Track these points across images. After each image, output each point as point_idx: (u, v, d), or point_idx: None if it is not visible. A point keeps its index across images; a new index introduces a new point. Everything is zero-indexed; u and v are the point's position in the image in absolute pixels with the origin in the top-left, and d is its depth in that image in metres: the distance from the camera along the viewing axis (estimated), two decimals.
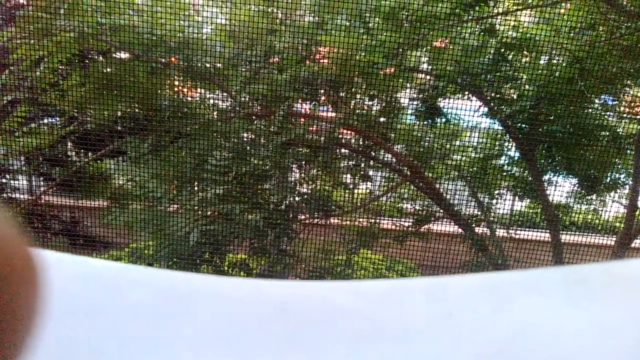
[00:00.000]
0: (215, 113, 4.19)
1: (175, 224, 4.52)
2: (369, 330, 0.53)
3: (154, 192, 4.50)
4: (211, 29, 3.78)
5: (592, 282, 0.56)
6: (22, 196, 4.70)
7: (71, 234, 5.12)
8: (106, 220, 4.64)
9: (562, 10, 3.64)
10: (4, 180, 4.55)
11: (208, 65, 3.76)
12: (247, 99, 4.09)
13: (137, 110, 4.12)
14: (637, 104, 4.11)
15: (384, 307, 0.55)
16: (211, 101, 4.22)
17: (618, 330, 0.52)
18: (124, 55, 3.79)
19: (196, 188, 4.63)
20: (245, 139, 4.44)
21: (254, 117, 4.26)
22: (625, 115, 4.11)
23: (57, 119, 4.26)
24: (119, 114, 4.32)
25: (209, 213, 4.56)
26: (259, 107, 4.19)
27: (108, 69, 3.77)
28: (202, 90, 4.18)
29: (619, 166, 4.39)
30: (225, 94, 4.16)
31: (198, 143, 4.34)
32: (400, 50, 3.58)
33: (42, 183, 4.81)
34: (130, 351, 0.50)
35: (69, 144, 4.74)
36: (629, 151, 4.22)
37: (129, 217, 4.55)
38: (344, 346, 0.51)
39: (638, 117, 4.09)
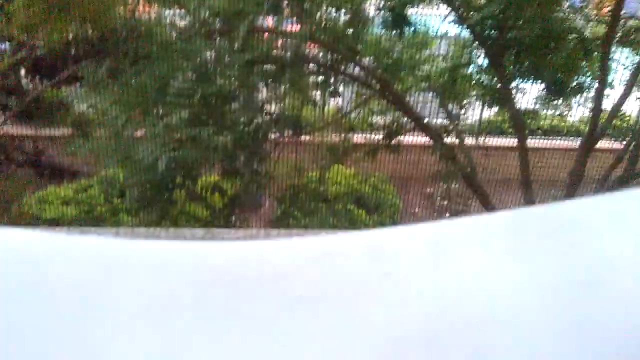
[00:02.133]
0: (173, 32, 3.99)
1: (143, 150, 4.43)
2: (307, 293, 0.51)
3: (118, 118, 4.37)
4: None
5: (529, 229, 0.56)
6: None
7: (36, 165, 4.99)
8: (71, 150, 4.52)
9: None
10: None
11: None
12: (206, 15, 3.89)
13: (90, 32, 3.89)
14: (605, 5, 4.06)
15: (321, 266, 0.53)
16: (169, 19, 4.00)
17: (552, 283, 0.51)
18: None
19: (161, 112, 4.50)
20: (208, 59, 4.27)
21: (215, 35, 4.07)
22: (592, 17, 4.07)
23: (6, 44, 4.01)
24: (71, 36, 4.08)
25: (176, 137, 4.48)
26: (219, 24, 4.00)
27: None
28: (159, 8, 3.94)
29: (586, 69, 4.40)
30: (183, 10, 3.94)
31: (158, 65, 4.16)
32: None
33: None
34: (53, 324, 0.48)
35: (22, 71, 4.50)
36: (595, 53, 4.22)
37: (93, 146, 4.43)
38: (280, 311, 0.50)
39: (605, 18, 4.05)
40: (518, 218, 0.58)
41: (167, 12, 3.99)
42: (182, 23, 4.04)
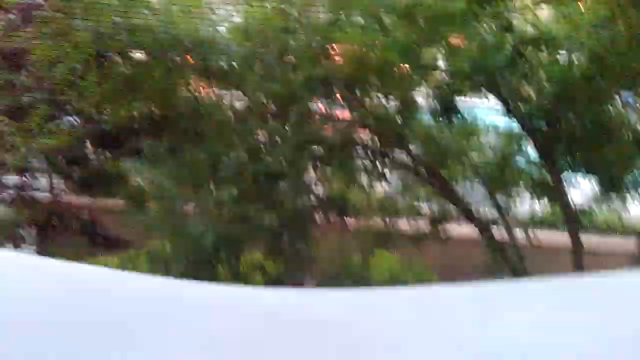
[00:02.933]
0: (230, 113, 4.21)
1: (191, 225, 4.53)
2: (358, 341, 0.53)
3: (170, 192, 4.52)
4: (226, 27, 3.80)
5: (575, 293, 0.57)
6: (42, 194, 4.77)
7: (91, 234, 5.18)
8: (124, 221, 4.69)
9: (581, 5, 3.57)
10: (24, 180, 4.63)
11: (223, 64, 3.78)
12: (262, 98, 4.10)
13: (153, 109, 4.16)
14: None
15: (372, 317, 0.56)
16: (226, 101, 4.24)
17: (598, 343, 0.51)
18: (140, 55, 3.83)
19: (212, 188, 4.64)
20: (260, 139, 4.44)
21: (269, 116, 4.26)
22: None
23: (75, 118, 4.32)
24: (136, 113, 4.36)
25: (224, 214, 4.57)
26: (274, 107, 4.20)
27: (125, 69, 3.81)
28: (218, 90, 4.20)
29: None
30: (240, 92, 4.17)
31: (214, 143, 4.35)
32: (416, 47, 3.55)
33: (61, 182, 4.88)
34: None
35: (88, 143, 4.80)
36: None
37: (146, 218, 4.57)
38: (334, 357, 0.52)
39: None
40: (561, 286, 0.59)
41: (225, 94, 4.23)
42: (238, 104, 4.26)
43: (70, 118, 4.39)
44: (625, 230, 4.88)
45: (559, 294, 0.58)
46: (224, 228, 4.51)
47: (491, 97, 4.09)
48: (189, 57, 3.76)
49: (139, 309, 0.55)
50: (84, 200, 5.10)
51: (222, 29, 3.82)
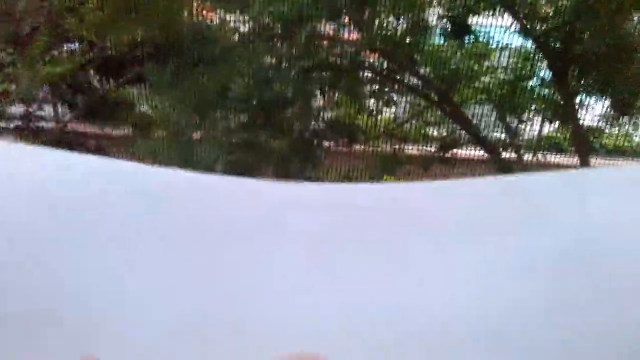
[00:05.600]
0: (236, 37, 4.09)
1: (201, 153, 4.55)
2: (453, 230, 0.52)
3: (177, 119, 4.50)
4: None
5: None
6: (48, 125, 4.74)
7: None
8: (131, 149, 4.69)
9: None
10: (30, 110, 4.58)
11: None
12: (268, 21, 3.97)
13: (157, 34, 4.04)
14: None
15: (463, 206, 0.54)
16: (231, 24, 4.10)
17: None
18: None
19: (219, 116, 4.61)
20: (267, 64, 4.35)
21: (275, 40, 4.15)
22: None
23: (77, 45, 4.22)
24: (139, 39, 4.24)
25: (233, 141, 4.56)
26: (280, 30, 4.07)
27: None
28: (222, 13, 4.06)
29: None
30: (245, 16, 4.03)
31: (220, 69, 4.27)
32: None
33: (67, 111, 4.83)
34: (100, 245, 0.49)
35: (91, 71, 4.71)
36: None
37: (153, 146, 4.58)
38: (431, 246, 0.51)
39: None
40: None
41: (230, 17, 4.09)
42: (244, 28, 4.14)
43: (72, 45, 4.28)
44: (635, 153, 4.86)
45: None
46: (233, 155, 4.54)
47: (506, 15, 3.95)
48: None
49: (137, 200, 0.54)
50: (90, 128, 5.08)
51: None
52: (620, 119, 4.69)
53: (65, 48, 4.31)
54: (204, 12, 4.10)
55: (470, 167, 5.44)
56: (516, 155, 4.76)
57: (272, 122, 4.58)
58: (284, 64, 4.38)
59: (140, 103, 4.57)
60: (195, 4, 3.98)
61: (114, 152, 5.36)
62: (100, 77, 4.60)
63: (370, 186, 0.61)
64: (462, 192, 0.55)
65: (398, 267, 0.50)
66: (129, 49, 4.06)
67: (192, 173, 0.59)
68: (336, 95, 4.64)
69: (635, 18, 4.07)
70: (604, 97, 4.43)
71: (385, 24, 4.21)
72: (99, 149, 5.15)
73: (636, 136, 4.92)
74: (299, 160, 4.73)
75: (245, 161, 4.59)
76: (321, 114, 4.75)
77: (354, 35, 4.26)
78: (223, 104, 4.49)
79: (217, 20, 4.15)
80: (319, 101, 4.70)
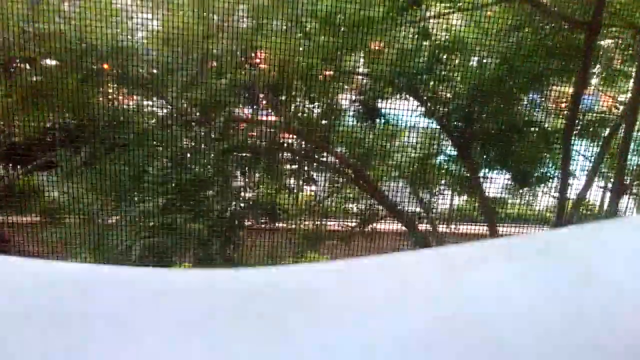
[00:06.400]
0: (153, 121, 4.08)
1: (116, 237, 4.37)
2: (330, 310, 0.55)
3: (91, 205, 4.33)
4: (145, 34, 3.69)
5: (527, 252, 0.62)
6: None
7: (1, 252, 4.83)
8: (40, 237, 4.43)
9: (489, 13, 3.80)
10: None
11: (143, 71, 3.66)
12: (185, 106, 4.02)
13: (68, 120, 3.95)
14: (562, 100, 4.35)
15: (343, 286, 0.58)
16: (148, 109, 4.11)
17: (551, 298, 0.57)
18: (52, 63, 3.63)
19: (136, 199, 4.49)
20: (185, 147, 4.35)
21: (193, 124, 4.18)
22: (551, 111, 4.34)
23: None
24: (49, 124, 4.13)
25: (150, 224, 4.44)
26: (198, 114, 4.13)
27: (35, 78, 3.60)
28: (138, 98, 4.06)
29: (549, 160, 4.62)
30: (162, 101, 4.06)
31: (136, 153, 4.21)
32: (338, 53, 3.63)
33: None
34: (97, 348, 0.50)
35: None
36: (556, 145, 4.45)
37: (64, 233, 4.35)
38: (311, 325, 0.54)
39: (563, 112, 4.32)
40: (517, 243, 0.66)
41: (146, 102, 4.10)
42: (160, 112, 4.15)
43: None
44: (536, 220, 5.23)
45: (510, 253, 0.63)
46: (151, 239, 4.40)
47: (411, 99, 4.26)
48: (105, 64, 3.61)
49: (114, 300, 0.55)
50: None
51: (140, 35, 3.70)
52: (521, 189, 5.07)
53: None
54: (119, 97, 4.08)
55: (389, 240, 5.60)
56: (431, 227, 4.98)
57: (191, 204, 4.53)
58: (202, 146, 4.40)
59: (49, 190, 4.36)
60: (110, 89, 3.96)
61: (19, 241, 5.03)
62: (6, 164, 4.38)
63: (251, 270, 0.63)
64: (343, 271, 0.60)
65: (277, 345, 0.52)
66: (39, 134, 3.93)
67: (63, 263, 0.59)
68: (256, 175, 4.69)
69: (525, 100, 4.53)
70: (504, 171, 4.80)
71: (301, 107, 4.40)
72: (4, 239, 4.82)
73: (536, 205, 5.32)
74: (219, 241, 4.67)
75: (163, 245, 4.46)
76: (241, 194, 4.77)
77: (271, 118, 4.40)
78: (140, 188, 4.40)
79: (133, 105, 4.13)
80: (239, 182, 4.72)
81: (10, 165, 4.52)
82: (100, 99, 3.99)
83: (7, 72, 3.63)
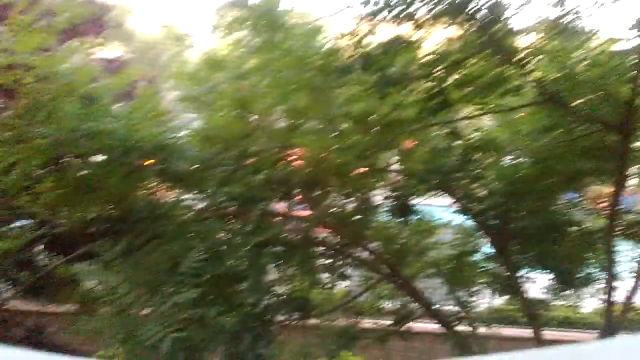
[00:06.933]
0: (190, 213, 4.19)
1: (147, 330, 4.35)
2: None
3: (125, 296, 4.36)
4: (186, 132, 3.89)
5: None
6: None
7: (35, 343, 4.87)
8: (74, 327, 4.45)
9: (522, 114, 3.86)
10: None
11: (183, 167, 3.82)
12: (222, 199, 4.12)
13: (111, 212, 4.11)
14: (601, 200, 4.25)
15: None
16: (187, 202, 4.23)
17: None
18: (99, 159, 3.84)
19: (170, 291, 4.50)
20: (219, 240, 4.41)
21: (229, 217, 4.27)
22: (591, 211, 4.24)
23: (29, 221, 4.21)
24: (92, 215, 4.28)
25: (182, 317, 4.41)
26: (234, 207, 4.22)
27: (83, 172, 3.80)
28: (177, 193, 4.20)
29: (593, 261, 4.43)
30: (201, 194, 4.19)
31: (171, 244, 4.29)
32: (371, 151, 3.71)
33: (9, 287, 4.64)
34: None
35: (40, 247, 4.65)
36: (599, 245, 4.29)
37: (97, 323, 4.36)
38: None
39: (603, 212, 4.21)
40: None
41: (185, 195, 4.24)
42: (198, 205, 4.26)
43: (23, 221, 4.28)
44: (582, 323, 4.95)
45: None
46: (182, 332, 4.35)
47: (446, 196, 4.25)
48: (148, 160, 3.79)
49: None
50: (31, 306, 4.85)
51: (182, 134, 3.90)
52: (565, 291, 4.84)
53: (15, 224, 4.30)
54: (159, 191, 4.23)
55: (425, 340, 5.36)
56: (470, 328, 4.75)
57: (223, 297, 4.50)
58: (236, 239, 4.44)
59: (86, 279, 4.45)
60: (150, 184, 4.12)
61: (56, 330, 5.08)
62: (49, 253, 4.53)
63: None
64: None
65: None
66: (81, 225, 4.07)
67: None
68: (289, 270, 4.67)
69: (564, 199, 4.45)
70: (546, 271, 4.62)
71: (335, 202, 4.44)
72: (38, 328, 4.88)
73: (582, 307, 5.05)
74: (251, 336, 4.57)
75: (194, 338, 4.39)
76: (274, 288, 4.72)
77: (306, 213, 4.45)
78: (173, 279, 4.43)
79: (172, 199, 4.27)
80: (271, 276, 4.70)
81: (54, 254, 4.67)
82: (141, 192, 4.14)
83: (57, 166, 3.85)
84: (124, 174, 3.84)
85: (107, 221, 4.28)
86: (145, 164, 3.81)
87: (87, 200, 4.03)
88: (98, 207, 4.17)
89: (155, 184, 4.10)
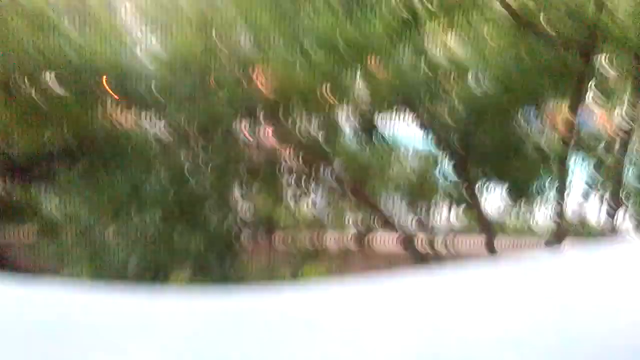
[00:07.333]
0: (151, 137, 4.09)
1: (112, 250, 4.36)
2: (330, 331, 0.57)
3: (87, 219, 4.33)
4: (144, 52, 3.71)
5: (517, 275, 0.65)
6: None
7: None
8: (36, 251, 4.42)
9: (485, 32, 3.84)
10: None
11: (142, 89, 3.68)
12: (184, 122, 4.03)
13: (67, 137, 3.96)
14: (558, 117, 4.39)
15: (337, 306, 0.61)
16: (147, 125, 4.12)
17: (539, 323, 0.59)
18: (52, 81, 3.64)
19: (133, 213, 4.49)
20: (183, 161, 4.36)
21: (192, 140, 4.19)
22: (548, 126, 4.38)
23: None
24: (47, 138, 4.12)
25: (147, 237, 4.43)
26: (197, 130, 4.14)
27: (35, 96, 3.61)
28: (137, 115, 4.07)
29: (546, 176, 4.65)
30: (162, 117, 4.07)
31: (133, 166, 4.22)
32: (336, 71, 3.66)
33: None
34: None
35: None
36: (552, 159, 4.49)
37: (60, 245, 4.34)
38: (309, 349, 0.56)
39: (559, 130, 4.36)
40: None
41: (145, 119, 4.11)
42: (159, 129, 4.16)
43: None
44: (533, 234, 5.25)
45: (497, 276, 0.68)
46: (148, 252, 4.39)
47: (409, 117, 4.29)
48: (104, 82, 3.62)
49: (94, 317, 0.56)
50: None
51: (140, 53, 3.71)
52: (518, 202, 5.09)
53: None
54: (117, 113, 4.09)
55: (387, 255, 5.59)
56: (428, 241, 4.97)
57: (187, 218, 4.52)
58: (200, 160, 4.40)
59: (47, 204, 4.36)
60: (108, 107, 3.96)
61: (19, 255, 5.01)
62: (4, 179, 4.38)
63: (244, 289, 0.66)
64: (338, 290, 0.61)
65: None
66: (37, 150, 3.93)
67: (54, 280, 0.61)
68: (253, 189, 4.70)
69: (519, 115, 4.56)
70: (501, 184, 4.82)
71: (299, 122, 4.41)
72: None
73: (533, 218, 5.34)
74: (216, 255, 4.66)
75: (160, 257, 4.44)
76: (238, 208, 4.77)
77: (270, 135, 4.42)
78: (137, 201, 4.39)
79: (132, 122, 4.14)
80: (235, 196, 4.73)
81: (8, 178, 4.52)
82: (99, 114, 4.00)
83: (7, 89, 3.64)
84: (78, 97, 3.68)
85: (63, 145, 4.14)
86: (102, 84, 3.65)
87: (41, 124, 3.86)
88: (53, 131, 4.01)
89: (113, 106, 3.94)
